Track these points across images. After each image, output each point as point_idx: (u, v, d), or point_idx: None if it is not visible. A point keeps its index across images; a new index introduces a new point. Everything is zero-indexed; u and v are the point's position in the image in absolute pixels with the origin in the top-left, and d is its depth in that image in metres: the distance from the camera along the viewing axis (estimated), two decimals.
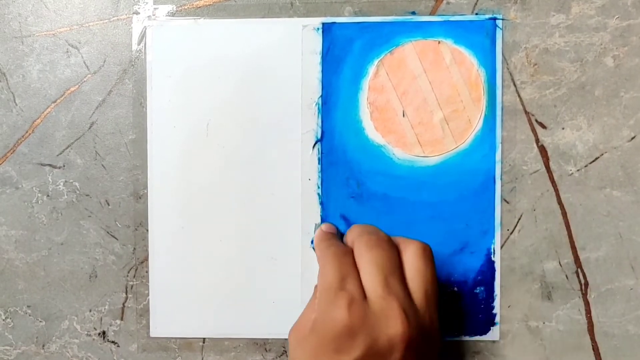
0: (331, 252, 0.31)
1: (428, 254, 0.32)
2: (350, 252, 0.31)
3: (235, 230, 0.38)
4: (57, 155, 0.38)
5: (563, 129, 0.37)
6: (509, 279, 0.38)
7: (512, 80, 0.37)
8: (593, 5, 0.37)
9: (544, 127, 0.37)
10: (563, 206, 0.37)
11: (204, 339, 0.38)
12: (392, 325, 0.29)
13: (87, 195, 0.38)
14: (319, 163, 0.37)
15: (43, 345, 0.38)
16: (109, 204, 0.38)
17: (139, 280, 0.38)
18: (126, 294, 0.38)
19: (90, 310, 0.38)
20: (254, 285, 0.38)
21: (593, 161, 0.37)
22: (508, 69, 0.37)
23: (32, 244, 0.38)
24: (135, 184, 0.38)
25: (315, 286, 0.32)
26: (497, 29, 0.37)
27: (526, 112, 0.37)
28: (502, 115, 0.37)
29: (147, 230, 0.38)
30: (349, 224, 0.38)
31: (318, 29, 0.37)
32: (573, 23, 0.37)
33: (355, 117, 0.37)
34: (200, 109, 0.38)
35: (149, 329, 0.38)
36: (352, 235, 0.32)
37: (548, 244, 0.38)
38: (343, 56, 0.37)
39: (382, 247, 0.31)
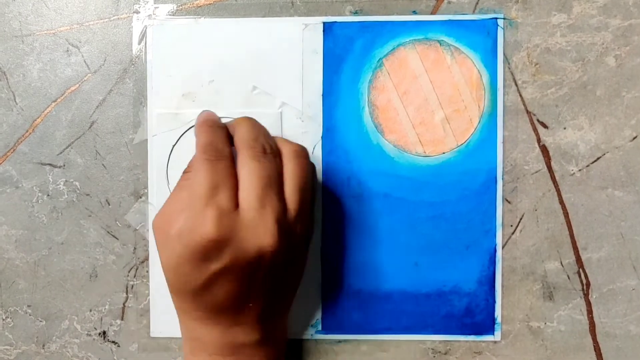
0: (203, 156, 0.30)
1: (302, 153, 0.32)
2: (228, 158, 0.30)
3: None
4: (58, 155, 0.38)
5: (565, 128, 0.37)
6: (511, 279, 0.38)
7: (514, 79, 0.37)
8: (594, 4, 0.37)
9: (545, 126, 0.37)
10: (565, 206, 0.37)
11: None
12: (263, 238, 0.29)
13: (87, 194, 0.38)
14: (320, 162, 0.37)
15: (43, 345, 0.38)
16: (109, 204, 0.38)
17: (139, 280, 0.38)
18: (126, 293, 0.38)
19: (90, 310, 0.38)
20: None
21: (595, 161, 0.37)
22: (509, 68, 0.37)
23: (33, 243, 0.38)
24: (135, 183, 0.38)
25: (187, 167, 0.31)
26: (499, 29, 0.37)
27: (528, 112, 0.37)
28: (503, 115, 0.37)
29: (148, 230, 0.38)
30: (350, 224, 0.37)
31: (319, 28, 0.37)
32: (574, 22, 0.37)
33: (356, 117, 0.37)
34: (201, 108, 0.37)
35: (149, 328, 0.38)
36: (238, 139, 0.31)
37: (549, 244, 0.37)
38: (344, 56, 0.37)
39: (266, 157, 0.30)
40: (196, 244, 0.28)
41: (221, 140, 0.31)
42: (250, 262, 0.29)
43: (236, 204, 0.29)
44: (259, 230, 0.29)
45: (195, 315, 0.31)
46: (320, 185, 0.37)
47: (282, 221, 0.30)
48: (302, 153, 0.32)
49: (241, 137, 0.31)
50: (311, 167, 0.35)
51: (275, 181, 0.30)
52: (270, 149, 0.31)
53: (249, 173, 0.29)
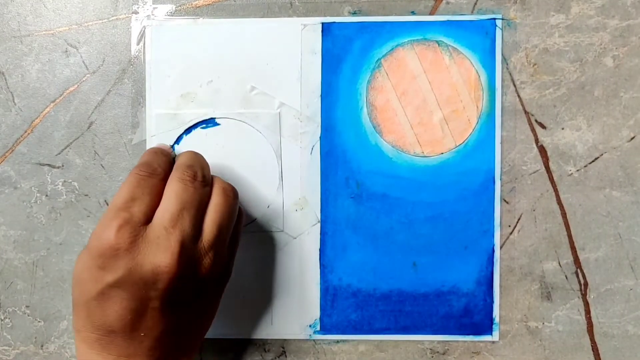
0: (135, 171, 0.30)
1: (230, 192, 0.32)
2: (158, 174, 0.30)
3: None
4: (56, 155, 0.38)
5: (563, 129, 0.37)
6: (509, 279, 0.38)
7: (512, 80, 0.37)
8: (593, 5, 0.37)
9: (543, 127, 0.37)
10: (563, 206, 0.37)
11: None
12: (161, 257, 0.28)
13: (86, 195, 0.38)
14: (318, 163, 0.37)
15: (42, 346, 0.38)
16: (107, 204, 0.38)
17: None
18: None
19: None
20: (253, 285, 0.38)
21: (593, 161, 0.37)
22: (508, 69, 0.37)
23: (31, 244, 0.38)
24: None
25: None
26: (497, 29, 0.37)
27: (526, 112, 0.37)
28: (501, 116, 0.37)
29: None
30: (349, 224, 0.38)
31: (317, 28, 0.37)
32: (573, 23, 0.37)
33: (355, 117, 0.37)
34: (200, 108, 0.37)
35: None
36: (175, 165, 0.32)
37: (547, 244, 0.38)
38: (343, 56, 0.37)
39: (193, 184, 0.30)
40: (96, 249, 0.28)
41: (158, 162, 0.31)
42: (144, 280, 0.28)
43: (149, 219, 0.29)
44: (160, 248, 0.28)
45: (86, 336, 0.30)
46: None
47: (188, 246, 0.29)
48: (231, 192, 0.32)
49: (177, 163, 0.32)
50: (240, 214, 0.34)
51: (196, 208, 0.30)
52: (202, 179, 0.31)
53: (171, 192, 0.30)
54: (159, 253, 0.28)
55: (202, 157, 0.33)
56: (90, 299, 0.29)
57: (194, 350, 0.33)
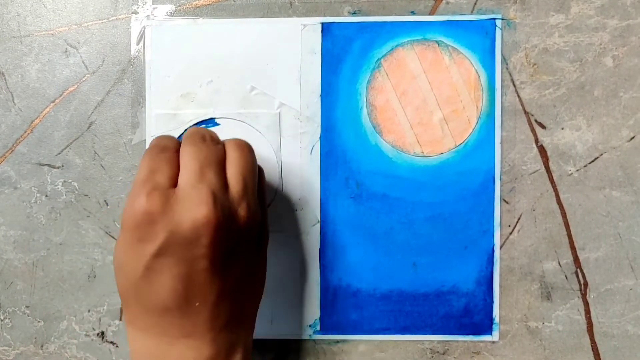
0: (150, 147, 0.30)
1: (245, 146, 0.31)
2: (170, 148, 0.30)
3: None
4: (56, 155, 0.38)
5: (562, 129, 0.37)
6: (509, 279, 0.38)
7: (512, 80, 0.37)
8: (592, 5, 0.37)
9: (543, 127, 0.37)
10: (562, 206, 0.37)
11: None
12: (197, 210, 0.28)
13: (85, 195, 0.38)
14: (318, 163, 0.37)
15: (42, 346, 0.38)
16: (107, 204, 0.38)
17: None
18: None
19: (89, 311, 0.38)
20: None
21: (592, 161, 0.37)
22: (507, 69, 0.37)
23: (31, 244, 0.38)
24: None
25: None
26: (497, 29, 0.37)
27: (525, 112, 0.37)
28: (501, 116, 0.37)
29: None
30: (349, 224, 0.38)
31: (317, 28, 0.37)
32: (572, 23, 0.37)
33: (355, 117, 0.37)
34: (200, 108, 0.37)
35: None
36: (183, 136, 0.32)
37: (547, 244, 0.38)
38: (342, 56, 0.37)
39: (204, 143, 0.30)
40: (131, 221, 0.28)
41: (168, 140, 0.31)
42: (187, 239, 0.28)
43: (174, 184, 0.29)
44: (193, 202, 0.28)
45: (141, 324, 0.29)
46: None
47: (220, 196, 0.28)
48: (245, 145, 0.31)
49: (184, 136, 0.31)
50: (260, 171, 0.34)
51: (215, 163, 0.30)
52: (210, 139, 0.31)
53: (187, 156, 0.29)
54: (194, 207, 0.28)
55: (205, 128, 0.33)
56: (137, 279, 0.28)
57: (251, 321, 0.32)
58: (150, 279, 0.28)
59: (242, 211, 0.29)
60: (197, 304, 0.29)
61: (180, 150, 0.30)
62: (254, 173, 0.31)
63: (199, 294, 0.29)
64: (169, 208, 0.28)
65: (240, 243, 0.30)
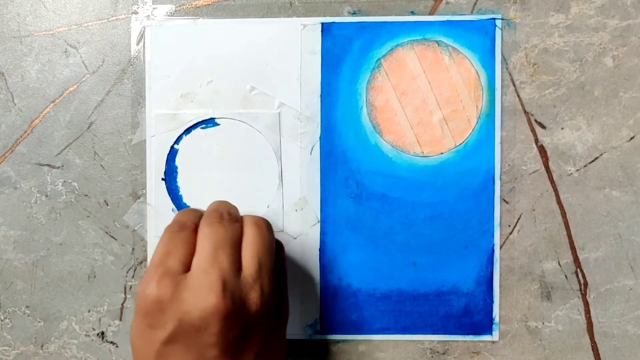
0: (171, 224, 0.30)
1: (262, 224, 0.31)
2: (188, 229, 0.30)
3: None
4: (56, 155, 0.38)
5: (562, 129, 0.37)
6: (508, 279, 0.38)
7: (512, 80, 0.37)
8: (592, 5, 0.37)
9: (543, 127, 0.37)
10: (562, 206, 0.37)
11: None
12: (206, 298, 0.27)
13: (85, 195, 0.38)
14: (318, 163, 0.37)
15: (42, 346, 0.38)
16: (107, 204, 0.38)
17: (137, 280, 0.38)
18: (125, 294, 0.38)
19: (89, 311, 0.38)
20: None
21: (592, 161, 0.37)
22: (507, 69, 0.37)
23: (31, 244, 0.38)
24: (134, 184, 0.38)
25: None
26: (497, 29, 0.37)
27: (525, 112, 0.37)
28: (501, 115, 0.37)
29: (146, 231, 0.38)
30: (349, 224, 0.38)
31: (317, 29, 0.37)
32: (572, 23, 0.37)
33: (355, 117, 0.37)
34: (200, 108, 0.37)
35: None
36: (205, 212, 0.32)
37: (547, 244, 0.38)
38: (342, 56, 0.37)
39: (222, 224, 0.30)
40: (142, 308, 0.28)
41: (188, 217, 0.31)
42: (196, 327, 0.27)
43: (187, 268, 0.29)
44: (203, 290, 0.28)
45: None
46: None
47: (231, 282, 0.28)
48: (264, 223, 0.31)
49: (205, 213, 0.31)
50: (279, 248, 0.34)
51: (230, 245, 0.30)
52: (228, 217, 0.31)
53: (203, 237, 0.30)
54: (203, 295, 0.28)
55: (227, 201, 0.33)
56: None
57: None
58: None
59: (254, 295, 0.29)
60: None
61: (199, 229, 0.30)
62: (271, 252, 0.31)
63: None
64: (179, 296, 0.28)
65: (252, 328, 0.29)
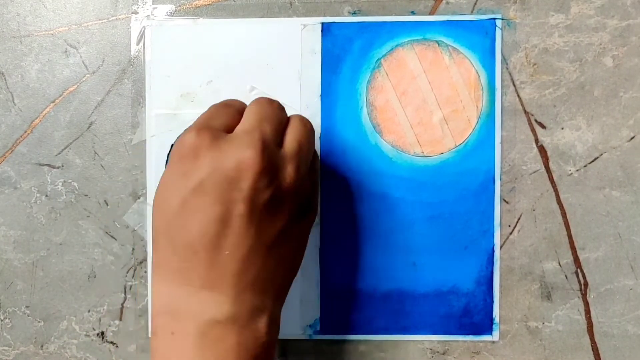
0: (213, 105, 0.31)
1: (308, 122, 0.31)
2: (236, 106, 0.30)
3: None
4: (56, 155, 0.38)
5: (562, 129, 0.37)
6: (509, 279, 0.38)
7: (512, 80, 0.37)
8: (592, 5, 0.37)
9: (543, 127, 0.37)
10: (562, 206, 0.37)
11: None
12: (244, 151, 0.27)
13: (85, 195, 0.38)
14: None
15: (42, 346, 0.38)
16: (107, 204, 0.38)
17: (137, 280, 0.38)
18: (125, 294, 0.38)
19: (89, 311, 0.38)
20: None
21: (592, 161, 0.37)
22: (507, 69, 0.37)
23: (31, 244, 0.38)
24: (134, 184, 0.38)
25: None
26: (497, 29, 0.37)
27: (525, 112, 0.37)
28: (501, 115, 0.37)
29: (146, 231, 0.38)
30: (348, 224, 0.38)
31: (317, 28, 0.37)
32: (572, 23, 0.37)
33: (355, 117, 0.37)
34: (200, 109, 0.37)
35: (147, 329, 0.38)
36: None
37: (547, 244, 0.38)
38: (342, 56, 0.37)
39: (271, 105, 0.30)
40: (177, 154, 0.28)
41: (235, 101, 0.31)
42: (228, 178, 0.27)
43: (229, 130, 0.29)
44: (242, 144, 0.27)
45: (166, 269, 0.28)
46: (319, 179, 0.35)
47: (270, 147, 0.28)
48: (308, 122, 0.31)
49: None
50: (315, 156, 0.33)
51: (276, 122, 0.29)
52: (278, 104, 0.31)
53: (250, 111, 0.30)
54: (242, 148, 0.27)
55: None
56: (172, 216, 0.28)
57: (280, 292, 0.30)
58: (185, 216, 0.27)
59: (290, 168, 0.28)
60: (226, 252, 0.27)
61: (246, 108, 0.30)
62: (312, 143, 0.31)
63: (230, 241, 0.27)
64: (217, 145, 0.27)
65: (282, 201, 0.28)
